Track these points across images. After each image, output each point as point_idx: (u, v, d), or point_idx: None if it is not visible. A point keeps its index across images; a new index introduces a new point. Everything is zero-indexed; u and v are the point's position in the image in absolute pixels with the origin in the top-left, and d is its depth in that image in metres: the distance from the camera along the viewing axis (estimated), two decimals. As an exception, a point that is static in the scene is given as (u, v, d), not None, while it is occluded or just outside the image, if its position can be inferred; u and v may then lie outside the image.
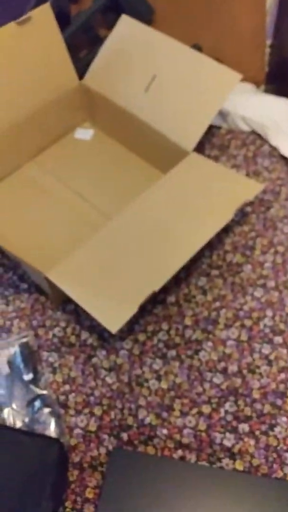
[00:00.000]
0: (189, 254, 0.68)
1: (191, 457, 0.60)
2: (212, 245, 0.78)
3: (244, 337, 0.69)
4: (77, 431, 0.62)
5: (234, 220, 0.80)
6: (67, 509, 0.57)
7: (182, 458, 0.60)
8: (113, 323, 0.61)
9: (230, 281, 0.75)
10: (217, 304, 0.72)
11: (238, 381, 0.65)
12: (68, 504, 0.58)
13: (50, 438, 0.59)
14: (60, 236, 0.79)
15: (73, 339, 0.70)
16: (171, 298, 0.73)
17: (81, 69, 0.90)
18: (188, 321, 0.71)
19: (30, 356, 0.67)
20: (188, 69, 0.85)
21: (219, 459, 0.60)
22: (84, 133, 0.97)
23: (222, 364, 0.67)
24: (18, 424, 0.62)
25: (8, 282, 0.76)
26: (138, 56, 0.89)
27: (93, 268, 0.68)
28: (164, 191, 0.78)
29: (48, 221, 0.82)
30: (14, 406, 0.64)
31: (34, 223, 0.81)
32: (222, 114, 0.95)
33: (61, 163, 0.91)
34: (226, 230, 0.80)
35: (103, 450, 0.61)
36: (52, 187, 0.87)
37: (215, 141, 0.95)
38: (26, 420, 0.63)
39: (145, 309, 0.72)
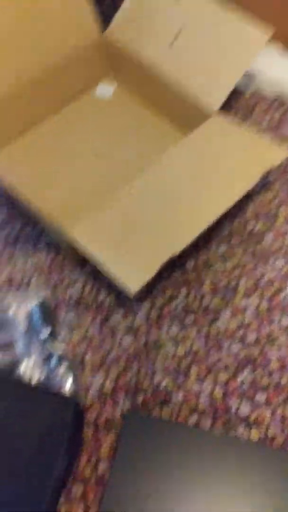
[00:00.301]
0: (210, 219, 0.66)
1: (206, 424, 0.60)
2: (233, 212, 0.76)
3: (263, 307, 0.68)
4: (92, 391, 0.62)
5: (257, 187, 0.77)
6: (81, 466, 0.58)
7: (197, 424, 0.60)
8: (132, 284, 0.61)
9: (251, 250, 0.73)
10: (237, 272, 0.71)
11: (256, 351, 0.65)
12: (82, 461, 0.58)
13: (66, 396, 0.59)
14: (80, 195, 0.77)
15: (90, 299, 0.69)
16: (191, 264, 0.72)
17: (104, 21, 0.85)
18: (207, 288, 0.70)
19: (47, 314, 0.67)
20: (216, 24, 0.80)
21: (234, 427, 0.60)
22: (105, 90, 0.93)
23: (241, 333, 0.66)
24: (34, 381, 0.62)
25: (27, 237, 0.75)
26: (163, 8, 0.84)
27: (114, 229, 0.66)
28: (186, 152, 0.75)
29: (67, 180, 0.79)
30: (31, 362, 0.64)
31: (52, 180, 0.79)
32: (247, 77, 0.91)
33: (81, 121, 0.88)
34: (248, 197, 0.78)
35: (118, 412, 0.61)
36: (71, 145, 0.84)
37: (239, 105, 0.91)
38: (42, 377, 0.63)
39: (163, 273, 0.71)
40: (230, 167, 0.72)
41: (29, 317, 0.67)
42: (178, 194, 0.69)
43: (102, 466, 0.58)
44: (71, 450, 0.56)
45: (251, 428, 0.59)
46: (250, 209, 0.77)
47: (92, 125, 0.87)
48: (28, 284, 0.70)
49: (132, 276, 0.61)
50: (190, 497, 0.52)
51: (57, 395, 0.58)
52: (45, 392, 0.58)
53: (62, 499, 0.56)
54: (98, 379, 0.63)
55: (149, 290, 0.69)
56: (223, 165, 0.72)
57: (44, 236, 0.75)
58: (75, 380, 0.63)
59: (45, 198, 0.69)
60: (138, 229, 0.66)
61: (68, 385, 0.62)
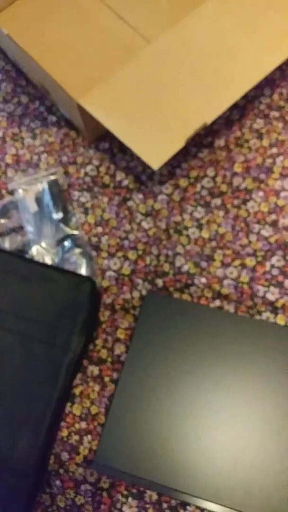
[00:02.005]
0: (247, 86, 0.56)
1: (230, 308, 0.56)
2: (274, 82, 0.65)
3: (301, 189, 0.60)
4: (109, 273, 0.58)
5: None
6: (98, 347, 0.56)
7: (220, 308, 0.56)
8: (155, 158, 0.53)
9: (291, 125, 0.63)
10: (274, 150, 0.62)
11: (288, 235, 0.58)
12: (98, 342, 0.56)
13: (81, 275, 0.55)
14: (95, 60, 0.67)
15: (107, 179, 0.62)
16: (220, 142, 0.63)
17: None
18: (237, 168, 0.62)
19: (59, 194, 0.61)
20: None
21: (259, 312, 0.56)
22: None
23: (273, 217, 0.59)
24: (48, 263, 0.59)
25: (34, 113, 0.67)
26: None
27: (133, 96, 0.57)
28: (218, 8, 0.62)
29: (81, 42, 0.68)
30: (43, 244, 0.60)
31: (65, 42, 0.68)
32: None
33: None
34: (292, 65, 0.66)
35: (136, 294, 0.57)
36: (87, 2, 0.71)
37: None
38: (56, 259, 0.59)
39: (189, 152, 0.63)
40: (273, 25, 0.60)
41: (39, 198, 0.61)
42: (209, 56, 0.59)
43: (119, 348, 0.56)
44: (87, 330, 0.54)
45: (277, 314, 0.55)
46: (293, 79, 0.66)
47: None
48: (37, 163, 0.64)
49: (155, 150, 0.54)
50: (210, 378, 0.50)
51: (72, 273, 0.55)
52: (59, 270, 0.55)
53: (77, 381, 0.55)
54: (115, 262, 0.59)
55: (172, 170, 0.62)
56: (265, 22, 0.60)
57: (55, 111, 0.66)
58: (90, 263, 0.59)
59: (54, 63, 0.59)
60: (161, 96, 0.57)
61: (83, 268, 0.59)
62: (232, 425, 0.48)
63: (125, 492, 0.52)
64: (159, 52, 0.59)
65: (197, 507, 0.50)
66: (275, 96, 0.65)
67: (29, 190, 0.62)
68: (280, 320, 0.55)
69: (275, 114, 0.64)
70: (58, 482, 0.52)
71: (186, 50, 0.59)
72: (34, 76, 0.64)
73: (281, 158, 0.62)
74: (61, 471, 0.53)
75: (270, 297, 0.56)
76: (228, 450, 0.47)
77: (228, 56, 0.58)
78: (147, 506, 0.51)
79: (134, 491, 0.52)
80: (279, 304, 0.56)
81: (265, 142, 0.63)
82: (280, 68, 0.65)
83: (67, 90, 0.56)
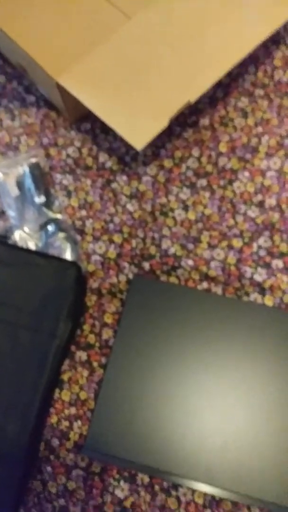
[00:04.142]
0: (230, 63, 0.55)
1: (217, 290, 0.56)
2: (258, 59, 0.64)
3: (287, 168, 0.60)
4: (95, 257, 0.57)
5: (286, 30, 0.64)
6: (85, 332, 0.55)
7: (207, 290, 0.56)
8: (139, 139, 0.52)
9: (276, 103, 0.62)
10: (259, 129, 0.61)
11: (275, 215, 0.58)
12: (86, 327, 0.55)
13: (67, 260, 0.54)
14: (75, 37, 0.64)
15: (89, 161, 0.61)
16: (205, 121, 0.62)
17: None
18: (223, 148, 0.61)
19: (41, 177, 0.59)
20: None
21: (247, 293, 0.55)
22: None
23: (259, 197, 0.59)
24: (32, 248, 0.57)
25: (12, 93, 0.64)
26: None
27: (115, 74, 0.55)
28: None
29: (60, 19, 0.65)
30: (26, 229, 0.58)
31: (43, 19, 0.65)
32: None
33: None
34: (276, 41, 0.65)
35: (123, 278, 0.56)
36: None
37: None
38: (40, 244, 0.58)
39: (173, 132, 0.62)
40: (255, 4, 0.58)
41: (21, 181, 0.59)
42: (193, 32, 0.57)
43: (107, 332, 0.55)
44: (74, 316, 0.53)
45: (265, 295, 0.55)
46: (279, 55, 0.64)
47: None
48: (17, 146, 0.62)
49: (138, 130, 0.52)
50: (199, 361, 0.50)
51: (56, 258, 0.54)
52: (43, 255, 0.53)
53: (65, 367, 0.54)
54: (100, 246, 0.58)
55: (156, 151, 0.61)
56: (246, 2, 0.58)
57: (33, 91, 0.64)
58: (75, 247, 0.58)
59: (33, 42, 0.57)
60: (144, 75, 0.55)
61: (68, 252, 0.57)
62: (222, 407, 0.48)
63: (116, 476, 0.52)
64: (140, 29, 0.57)
65: (189, 488, 0.50)
66: (260, 74, 0.64)
67: (9, 173, 0.60)
68: (268, 301, 0.55)
69: (260, 92, 0.63)
70: (49, 468, 0.52)
71: (168, 26, 0.57)
72: (12, 55, 0.61)
73: (266, 137, 0.61)
74: (52, 457, 0.52)
75: (258, 278, 0.56)
76: (218, 431, 0.47)
77: (211, 33, 0.57)
78: (139, 489, 0.51)
79: (126, 474, 0.52)
80: (266, 285, 0.55)
81: (250, 121, 0.62)
82: (264, 45, 0.64)
83: (45, 69, 0.54)
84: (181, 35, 0.57)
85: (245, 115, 0.62)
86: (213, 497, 0.50)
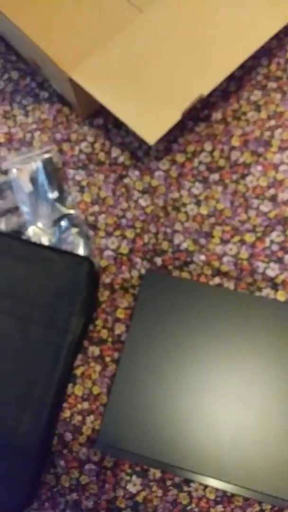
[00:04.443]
0: (243, 56, 0.54)
1: (229, 285, 0.55)
2: (271, 51, 0.63)
3: (300, 162, 0.59)
4: (107, 253, 0.57)
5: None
6: (98, 327, 0.55)
7: (220, 285, 0.55)
8: (151, 133, 0.51)
9: (290, 96, 0.61)
10: (272, 122, 0.61)
11: (288, 210, 0.57)
12: (98, 322, 0.56)
13: (80, 255, 0.54)
14: (88, 31, 0.64)
15: (102, 156, 0.61)
16: (217, 115, 0.62)
17: None
18: (235, 142, 0.60)
19: (54, 173, 0.60)
20: None
21: (260, 289, 0.55)
22: None
23: (272, 191, 0.58)
24: (45, 243, 0.58)
25: (25, 89, 0.64)
26: None
27: (127, 69, 0.55)
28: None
29: (72, 13, 0.65)
30: (39, 225, 0.58)
31: (56, 14, 0.65)
32: None
33: None
34: (290, 33, 0.64)
35: (135, 273, 0.56)
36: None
37: None
38: (53, 240, 0.58)
39: (185, 127, 0.61)
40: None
41: (34, 177, 0.60)
42: (205, 24, 0.56)
43: (119, 328, 0.55)
44: (86, 311, 0.53)
45: (277, 290, 0.55)
46: (291, 48, 0.63)
47: None
48: (30, 142, 0.62)
49: (151, 124, 0.52)
50: (211, 356, 0.49)
51: (69, 254, 0.54)
52: (56, 251, 0.54)
53: (78, 362, 0.54)
54: (113, 241, 0.58)
55: (168, 146, 0.60)
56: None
57: (46, 87, 0.64)
58: (88, 243, 0.58)
59: (44, 37, 0.57)
60: (156, 68, 0.55)
61: (81, 247, 0.58)
62: (234, 402, 0.48)
63: (129, 471, 0.52)
64: (152, 22, 0.57)
65: (200, 484, 0.50)
66: (273, 66, 0.63)
67: (23, 169, 0.60)
68: (281, 296, 0.55)
69: (273, 85, 0.62)
70: (62, 462, 0.53)
71: (180, 19, 0.57)
72: (24, 50, 0.62)
73: (279, 130, 0.60)
74: (65, 451, 0.53)
75: (270, 273, 0.55)
76: (230, 426, 0.47)
77: (223, 25, 0.56)
78: (151, 483, 0.51)
79: (138, 469, 0.52)
80: (279, 280, 0.55)
81: (263, 114, 0.61)
82: (277, 37, 0.63)
83: (58, 64, 0.54)
84: (193, 28, 0.56)
85: (258, 108, 0.61)
86: (224, 492, 0.50)
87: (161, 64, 0.54)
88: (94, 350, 0.55)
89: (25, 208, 0.59)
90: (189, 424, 0.48)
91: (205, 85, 0.53)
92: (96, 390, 0.54)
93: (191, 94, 0.52)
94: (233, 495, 0.50)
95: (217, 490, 0.50)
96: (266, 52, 0.63)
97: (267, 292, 0.55)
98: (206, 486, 0.51)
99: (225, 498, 0.50)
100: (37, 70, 0.64)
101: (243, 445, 0.47)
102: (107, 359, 0.55)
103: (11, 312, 0.52)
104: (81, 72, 0.53)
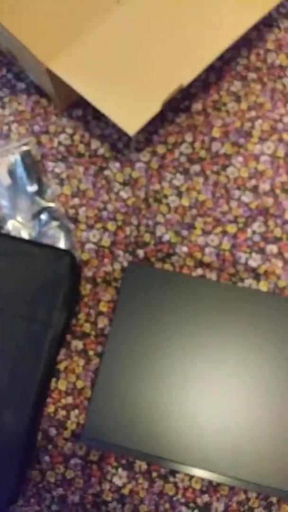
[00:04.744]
0: (222, 46, 0.54)
1: (212, 276, 0.55)
2: (250, 42, 0.63)
3: (280, 153, 0.59)
4: (89, 246, 0.57)
5: (281, 11, 0.63)
6: (81, 321, 0.55)
7: (202, 277, 0.55)
8: (131, 124, 0.51)
9: (270, 87, 0.62)
10: (252, 113, 0.61)
11: (269, 200, 0.58)
12: (81, 316, 0.55)
13: (60, 249, 0.53)
14: (65, 20, 0.63)
15: (81, 148, 0.60)
16: (197, 106, 0.61)
17: None
18: (216, 133, 0.60)
19: (33, 166, 0.59)
20: None
21: (242, 279, 0.55)
22: None
23: (253, 182, 0.58)
24: (25, 237, 0.57)
25: (1, 80, 0.63)
26: None
27: (106, 59, 0.54)
28: None
29: (51, 4, 0.64)
30: (18, 218, 0.57)
31: (32, 2, 0.64)
32: None
33: None
34: (269, 23, 0.64)
35: (117, 266, 0.56)
36: None
37: None
38: (33, 233, 0.57)
39: (165, 118, 0.61)
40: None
41: (12, 170, 0.58)
42: (183, 14, 0.56)
43: (102, 321, 0.55)
44: (68, 304, 0.52)
45: (259, 280, 0.55)
46: (272, 38, 0.63)
47: None
48: (7, 134, 0.61)
49: (131, 116, 0.51)
50: (195, 347, 0.49)
51: (50, 247, 0.53)
52: (37, 244, 0.53)
53: (61, 356, 0.54)
54: (94, 234, 0.57)
55: (149, 137, 0.60)
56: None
57: (23, 78, 0.63)
58: (69, 236, 0.57)
59: (21, 26, 0.55)
60: (135, 59, 0.54)
61: (61, 241, 0.57)
62: (218, 393, 0.48)
63: (114, 464, 0.52)
64: (131, 13, 0.56)
65: (186, 474, 0.50)
66: (252, 57, 0.63)
67: (0, 162, 0.59)
68: (263, 286, 0.55)
69: (253, 75, 0.62)
70: (47, 458, 0.52)
71: (159, 9, 0.56)
72: (0, 41, 0.60)
73: (259, 121, 0.60)
74: (50, 446, 0.52)
75: (252, 263, 0.56)
76: (214, 417, 0.47)
77: (202, 15, 0.56)
78: (137, 476, 0.51)
79: (124, 462, 0.52)
80: (261, 271, 0.55)
81: (244, 105, 0.61)
82: (256, 28, 0.63)
83: (35, 54, 0.53)
84: (172, 18, 0.56)
85: (238, 99, 0.61)
86: (210, 482, 0.51)
87: (140, 55, 0.54)
88: (77, 344, 0.54)
89: (3, 202, 0.58)
90: (173, 415, 0.48)
91: (185, 75, 0.53)
92: (80, 384, 0.53)
93: (171, 85, 0.52)
94: (218, 484, 0.50)
95: (202, 480, 0.51)
96: (246, 43, 0.63)
97: (249, 282, 0.55)
98: (191, 477, 0.51)
99: (210, 487, 0.51)
100: (13, 61, 0.62)
101: (228, 434, 0.47)
102: (91, 353, 0.54)
103: (-9, 308, 0.51)
104: (60, 63, 0.52)
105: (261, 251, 0.56)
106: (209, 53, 0.54)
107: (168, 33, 0.54)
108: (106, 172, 0.59)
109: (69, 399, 0.53)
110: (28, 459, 0.50)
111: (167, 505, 0.50)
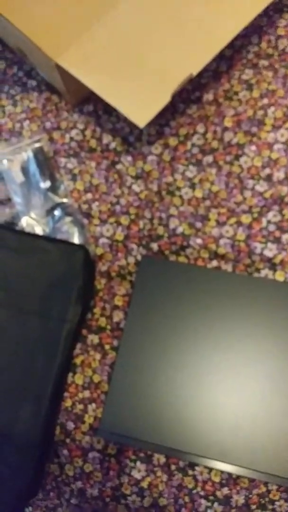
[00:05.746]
0: (231, 33, 0.53)
1: (227, 268, 0.55)
2: (261, 29, 0.62)
3: (295, 140, 0.58)
4: (103, 240, 0.57)
5: (292, -7, 0.62)
6: (96, 315, 0.55)
7: (217, 268, 0.55)
8: (141, 116, 0.51)
9: (282, 74, 0.60)
10: (265, 101, 0.59)
11: (284, 189, 0.56)
12: (96, 311, 0.55)
13: (74, 244, 0.53)
14: (73, 15, 0.63)
15: (93, 143, 0.60)
16: (209, 96, 0.60)
17: None
18: (228, 122, 0.59)
19: (45, 162, 0.59)
20: None
21: (258, 270, 0.54)
22: None
23: (267, 171, 0.57)
24: (39, 234, 0.57)
25: (13, 79, 0.63)
26: None
27: (114, 52, 0.54)
28: None
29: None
30: (32, 215, 0.58)
31: (41, 0, 0.64)
32: None
33: None
34: (279, 9, 0.63)
35: (131, 260, 0.56)
36: None
37: None
38: (47, 229, 0.57)
39: (176, 109, 0.60)
40: None
41: (25, 167, 0.59)
42: (190, 3, 0.55)
43: (117, 315, 0.55)
44: (83, 299, 0.52)
45: (276, 270, 0.54)
46: (283, 24, 0.62)
47: None
48: (20, 131, 0.61)
49: (140, 108, 0.51)
50: (211, 339, 0.49)
51: (64, 242, 0.53)
52: (51, 240, 0.53)
53: (78, 350, 0.54)
54: (108, 228, 0.57)
55: (160, 129, 0.60)
56: None
57: (34, 75, 0.63)
58: (82, 231, 0.57)
59: (30, 23, 0.56)
60: (143, 50, 0.53)
61: (75, 236, 0.57)
62: (235, 384, 0.47)
63: (133, 457, 0.52)
64: (138, 4, 0.56)
65: (205, 467, 0.50)
66: (263, 44, 0.62)
67: (13, 160, 0.59)
68: (279, 276, 0.54)
69: (264, 63, 0.61)
70: (65, 452, 0.52)
71: (166, 0, 0.55)
72: (10, 39, 0.61)
73: (272, 109, 0.59)
74: (68, 440, 0.52)
75: (268, 253, 0.55)
76: (231, 408, 0.47)
77: (210, 4, 0.55)
78: (156, 469, 0.51)
79: (142, 455, 0.52)
80: (277, 260, 0.54)
81: (256, 93, 0.60)
82: (267, 14, 0.62)
83: (44, 50, 0.53)
84: (180, 7, 0.55)
85: (249, 87, 0.60)
86: (230, 475, 0.50)
87: (148, 46, 0.53)
88: (93, 338, 0.55)
89: (17, 199, 0.58)
90: (191, 407, 0.47)
91: (194, 65, 0.52)
92: (96, 378, 0.54)
93: (181, 75, 0.51)
94: (238, 477, 0.50)
95: (222, 472, 0.50)
96: (256, 30, 0.62)
97: (265, 273, 0.54)
98: (211, 469, 0.51)
99: (230, 480, 0.50)
100: (23, 59, 0.63)
101: (247, 426, 0.46)
102: (107, 347, 0.54)
103: (6, 304, 0.51)
104: (68, 58, 0.52)
105: (277, 240, 0.55)
106: (218, 41, 0.53)
107: (175, 23, 0.54)
108: (118, 166, 0.59)
109: (86, 393, 0.53)
110: (46, 453, 0.51)
111: (186, 498, 0.50)
